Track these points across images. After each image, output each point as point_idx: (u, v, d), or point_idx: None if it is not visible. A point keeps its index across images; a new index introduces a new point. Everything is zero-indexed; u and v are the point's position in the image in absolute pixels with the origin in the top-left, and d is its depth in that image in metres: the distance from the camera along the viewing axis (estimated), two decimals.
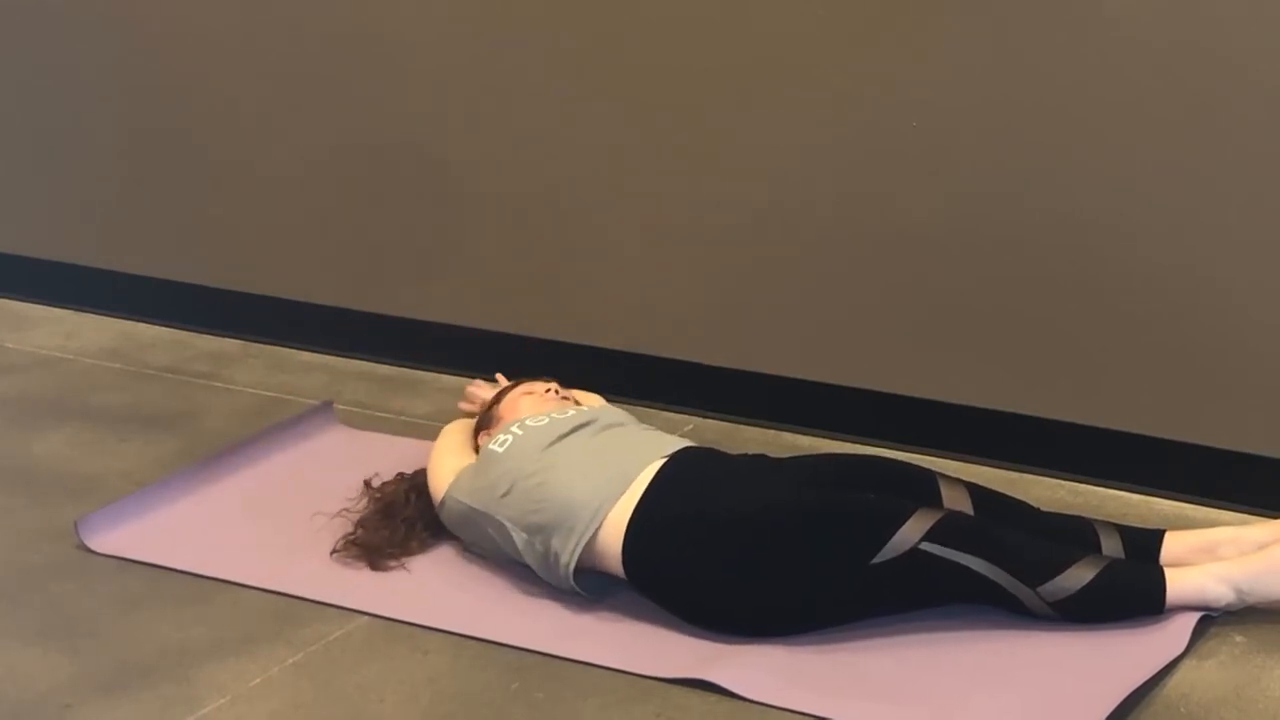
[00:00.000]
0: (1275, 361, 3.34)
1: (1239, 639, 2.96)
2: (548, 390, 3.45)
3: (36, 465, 3.79)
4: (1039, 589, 2.94)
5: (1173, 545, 3.06)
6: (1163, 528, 3.12)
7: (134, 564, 3.34)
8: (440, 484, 3.34)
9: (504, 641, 3.03)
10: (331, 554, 3.32)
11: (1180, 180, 3.34)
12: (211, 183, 4.44)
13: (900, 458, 3.32)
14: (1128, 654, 2.88)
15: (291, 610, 3.17)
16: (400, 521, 3.36)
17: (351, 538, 3.34)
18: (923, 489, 3.10)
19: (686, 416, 3.90)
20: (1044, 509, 3.19)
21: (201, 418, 4.02)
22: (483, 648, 3.03)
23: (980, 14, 3.44)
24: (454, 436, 3.51)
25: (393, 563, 3.30)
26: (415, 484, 3.44)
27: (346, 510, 3.44)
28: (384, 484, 3.50)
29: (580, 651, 2.99)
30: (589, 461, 3.17)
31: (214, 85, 4.37)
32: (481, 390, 3.63)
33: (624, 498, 3.09)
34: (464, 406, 3.65)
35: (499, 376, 3.70)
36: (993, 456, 3.61)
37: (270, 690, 2.93)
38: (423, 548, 3.35)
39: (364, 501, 3.46)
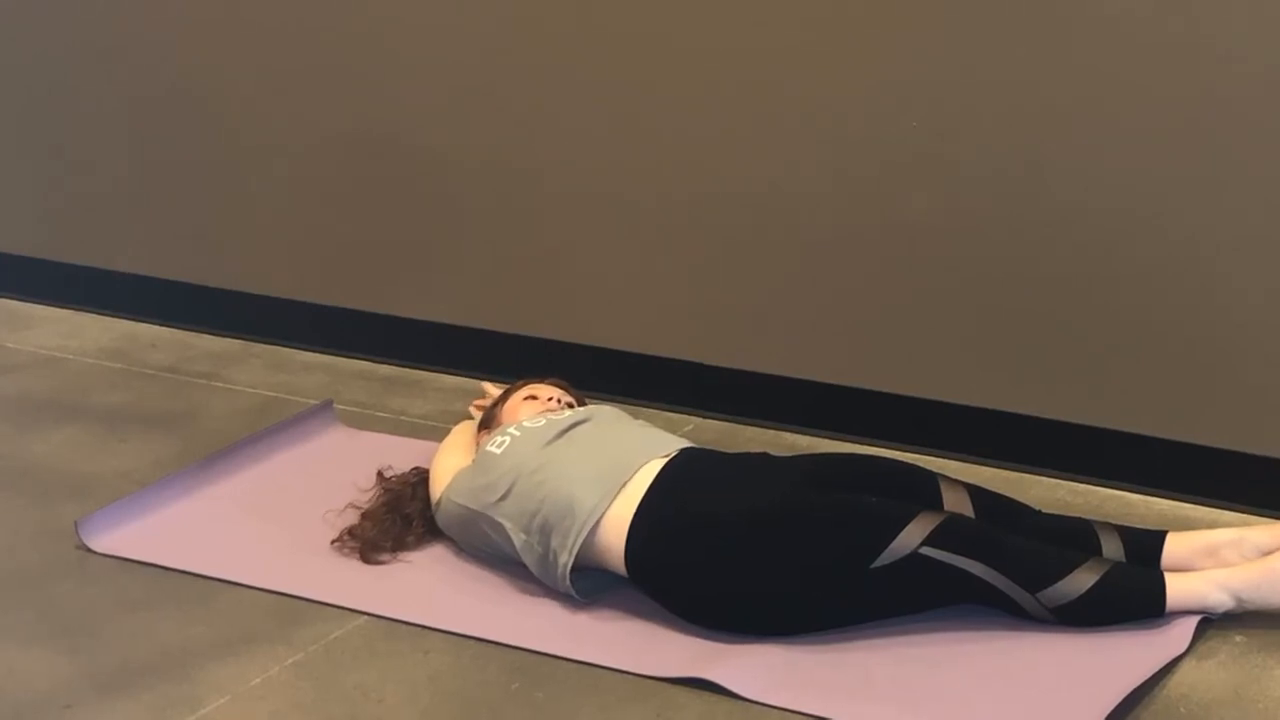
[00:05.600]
0: (1275, 361, 3.34)
1: (1239, 639, 2.96)
2: (550, 399, 3.45)
3: (36, 465, 3.80)
4: (1039, 594, 2.94)
5: (1174, 547, 3.06)
6: (1163, 529, 3.12)
7: (134, 564, 3.34)
8: (437, 485, 3.35)
9: (504, 641, 3.03)
10: (332, 543, 3.33)
11: (1181, 180, 3.34)
12: (211, 183, 4.45)
13: (900, 458, 3.32)
14: (1128, 654, 2.88)
15: (291, 610, 3.17)
16: (400, 517, 3.37)
17: (352, 529, 3.36)
18: (923, 490, 3.10)
19: (686, 416, 3.90)
20: (1044, 510, 3.19)
21: (201, 418, 4.02)
22: (483, 648, 3.03)
23: (980, 12, 3.44)
24: (461, 435, 3.52)
25: (385, 556, 3.31)
26: (423, 478, 3.45)
27: (354, 504, 3.45)
28: (396, 476, 3.51)
29: (580, 651, 2.99)
30: (587, 457, 3.17)
31: (214, 86, 4.37)
32: (494, 389, 3.64)
33: (624, 495, 3.09)
34: (476, 404, 3.66)
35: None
36: (993, 456, 3.61)
37: (270, 690, 2.93)
38: (419, 544, 3.35)
39: (374, 492, 3.47)
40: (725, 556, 3.00)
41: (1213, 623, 2.98)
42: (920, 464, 3.24)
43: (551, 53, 3.92)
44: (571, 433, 3.25)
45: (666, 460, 3.16)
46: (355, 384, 4.19)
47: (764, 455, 3.31)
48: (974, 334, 3.60)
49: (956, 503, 3.09)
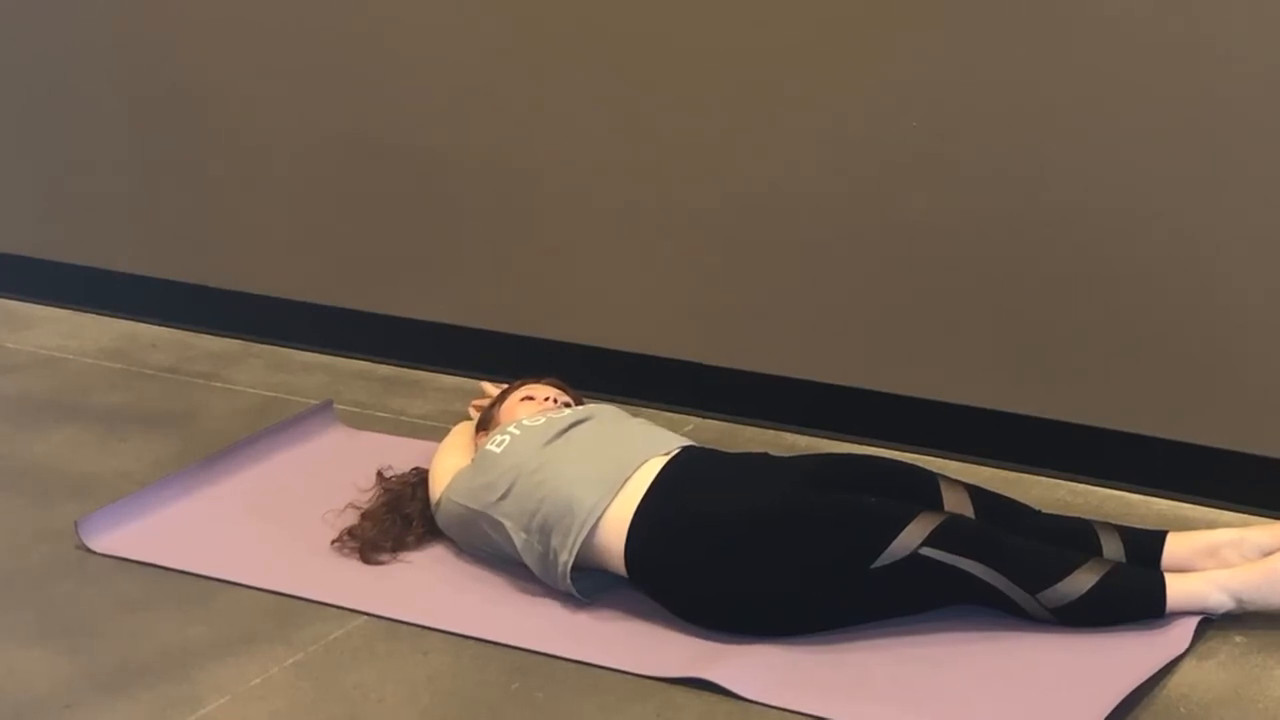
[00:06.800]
0: (1275, 361, 3.34)
1: (1239, 639, 2.96)
2: (547, 399, 3.45)
3: (36, 465, 3.80)
4: (1039, 595, 2.93)
5: (1175, 547, 3.06)
6: (1164, 529, 3.12)
7: (134, 564, 3.34)
8: (437, 485, 3.35)
9: (504, 641, 3.03)
10: (332, 543, 3.34)
11: (1181, 180, 3.34)
12: (211, 183, 4.45)
13: (900, 458, 3.32)
14: (1128, 654, 2.88)
15: (291, 610, 3.17)
16: (400, 517, 3.37)
17: (352, 529, 3.36)
18: (923, 490, 3.10)
19: (686, 416, 3.90)
20: (1044, 510, 3.19)
21: (201, 418, 4.02)
22: (483, 648, 3.03)
23: (980, 12, 3.44)
24: (459, 436, 3.52)
25: (385, 556, 3.31)
26: (423, 478, 3.46)
27: (354, 504, 3.45)
28: (395, 476, 3.51)
29: (580, 651, 2.99)
30: (587, 457, 3.17)
31: (214, 86, 4.37)
32: (493, 389, 3.64)
33: (624, 494, 3.09)
34: (475, 404, 3.66)
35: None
36: (993, 456, 3.61)
37: (270, 690, 2.93)
38: (419, 544, 3.36)
39: (374, 492, 3.47)
40: (725, 556, 3.00)
41: (1213, 623, 2.98)
42: (920, 464, 3.24)
43: (551, 53, 3.92)
44: (572, 432, 3.25)
45: (667, 459, 3.16)
46: (355, 384, 4.19)
47: (764, 455, 3.31)
48: (974, 334, 3.60)
49: (956, 503, 3.09)
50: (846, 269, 3.70)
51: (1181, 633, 2.93)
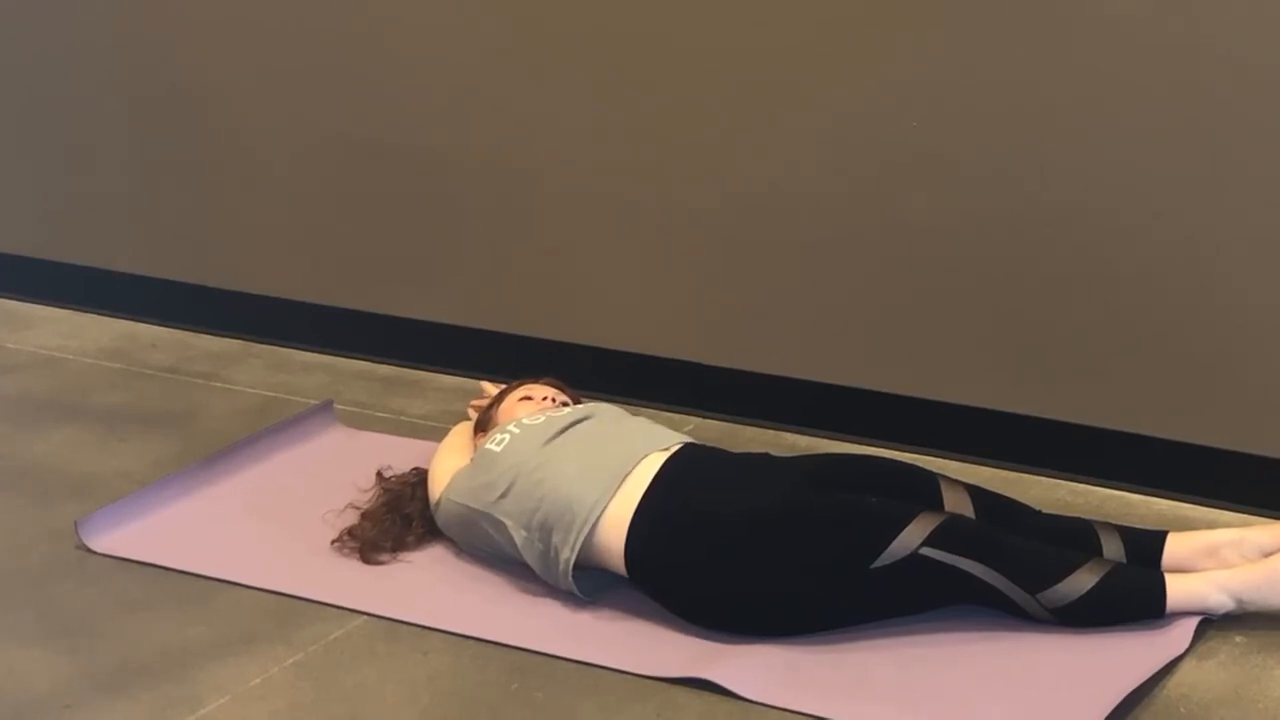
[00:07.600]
0: (1275, 361, 3.34)
1: (1239, 639, 2.96)
2: (545, 398, 3.45)
3: (36, 465, 3.80)
4: (1039, 595, 2.93)
5: (1175, 547, 3.06)
6: (1164, 529, 3.12)
7: (134, 564, 3.34)
8: (436, 485, 3.35)
9: (504, 641, 3.03)
10: (332, 543, 3.34)
11: (1181, 180, 3.34)
12: (211, 183, 4.45)
13: (900, 458, 3.32)
14: (1129, 655, 2.88)
15: (291, 610, 3.17)
16: (399, 517, 3.37)
17: (352, 529, 3.36)
18: (924, 490, 3.10)
19: (686, 416, 3.90)
20: (1045, 511, 3.19)
21: (201, 418, 4.02)
22: (483, 648, 3.03)
23: (980, 12, 3.44)
24: (458, 437, 3.52)
25: (385, 556, 3.31)
26: (423, 478, 3.46)
27: (354, 504, 3.45)
28: (395, 476, 3.51)
29: (580, 651, 2.99)
30: (587, 455, 3.17)
31: (214, 86, 4.37)
32: (493, 389, 3.64)
33: (624, 492, 3.09)
34: (473, 404, 3.66)
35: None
36: (993, 456, 3.61)
37: (270, 690, 2.93)
38: (419, 544, 3.36)
39: (374, 492, 3.47)
40: (725, 556, 3.00)
41: (1213, 623, 2.98)
42: (920, 464, 3.24)
43: (551, 53, 3.92)
44: (572, 430, 3.25)
45: (668, 455, 3.16)
46: (355, 384, 4.19)
47: (765, 455, 3.31)
48: (974, 334, 3.60)
49: (957, 503, 3.09)
50: (846, 269, 3.70)
51: (1181, 633, 2.93)
